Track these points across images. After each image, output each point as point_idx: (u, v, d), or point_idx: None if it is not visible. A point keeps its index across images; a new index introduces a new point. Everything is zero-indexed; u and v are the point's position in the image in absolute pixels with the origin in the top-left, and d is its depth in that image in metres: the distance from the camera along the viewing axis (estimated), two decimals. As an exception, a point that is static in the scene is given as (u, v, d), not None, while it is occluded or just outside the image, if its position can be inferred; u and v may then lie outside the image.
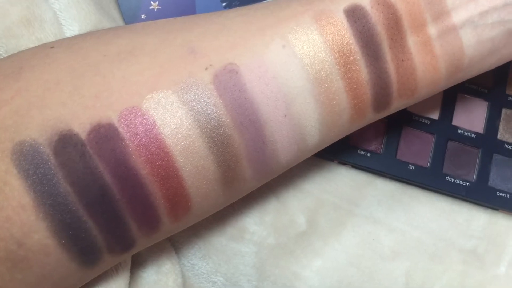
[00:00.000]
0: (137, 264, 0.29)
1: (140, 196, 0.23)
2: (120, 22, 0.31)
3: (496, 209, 0.34)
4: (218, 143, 0.23)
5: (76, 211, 0.22)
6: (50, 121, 0.21)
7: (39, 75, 0.22)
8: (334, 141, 0.27)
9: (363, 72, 0.25)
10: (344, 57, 0.25)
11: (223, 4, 0.33)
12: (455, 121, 0.34)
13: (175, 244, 0.31)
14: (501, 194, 0.33)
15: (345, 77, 0.25)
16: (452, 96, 0.34)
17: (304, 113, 0.25)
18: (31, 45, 0.27)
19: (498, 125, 0.34)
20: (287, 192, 0.32)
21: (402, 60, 0.26)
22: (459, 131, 0.34)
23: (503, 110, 0.34)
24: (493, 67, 0.28)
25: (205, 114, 0.23)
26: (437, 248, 0.32)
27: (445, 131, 0.34)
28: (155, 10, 0.32)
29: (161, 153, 0.22)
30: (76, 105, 0.22)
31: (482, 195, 0.33)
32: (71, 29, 0.29)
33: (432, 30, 0.25)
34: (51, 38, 0.28)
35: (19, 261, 0.21)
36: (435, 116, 0.34)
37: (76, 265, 0.23)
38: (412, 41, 0.25)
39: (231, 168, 0.24)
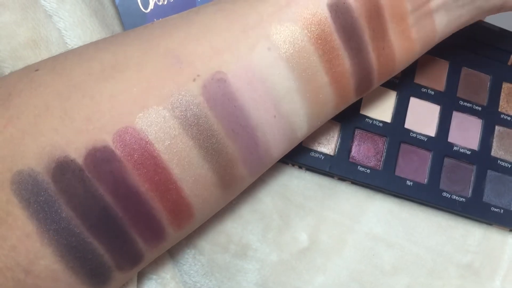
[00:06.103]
0: (141, 284, 0.29)
1: (143, 212, 0.23)
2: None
3: (490, 224, 0.35)
4: (212, 151, 0.24)
5: (80, 234, 0.22)
6: (45, 148, 0.21)
7: (27, 101, 0.22)
8: (321, 125, 0.29)
9: (346, 65, 0.26)
10: (328, 53, 0.25)
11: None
12: (451, 138, 0.35)
13: (178, 261, 0.31)
14: (495, 209, 0.34)
15: (330, 72, 0.25)
16: (448, 114, 0.35)
17: (293, 110, 0.26)
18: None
19: (492, 142, 0.35)
20: (288, 209, 0.32)
21: (383, 48, 0.26)
22: (455, 148, 0.35)
23: (496, 128, 0.35)
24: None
25: (197, 126, 0.23)
26: (436, 263, 0.33)
27: (442, 148, 0.34)
28: (158, 27, 0.32)
29: (158, 169, 0.23)
30: (68, 130, 0.22)
31: (477, 210, 0.34)
32: (77, 48, 0.28)
33: (411, 18, 0.26)
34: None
35: None
36: (431, 133, 0.35)
37: (87, 287, 0.23)
38: (392, 30, 0.26)
39: (227, 172, 0.25)
